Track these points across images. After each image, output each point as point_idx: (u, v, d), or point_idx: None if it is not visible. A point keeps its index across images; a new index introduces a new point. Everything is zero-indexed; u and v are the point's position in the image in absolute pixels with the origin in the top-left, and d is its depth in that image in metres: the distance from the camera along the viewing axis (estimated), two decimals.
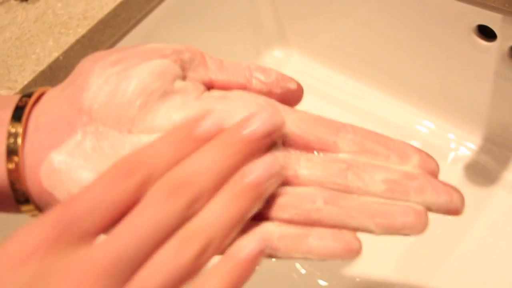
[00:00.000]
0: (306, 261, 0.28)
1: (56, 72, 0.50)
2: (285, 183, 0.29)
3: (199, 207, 0.26)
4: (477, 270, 0.50)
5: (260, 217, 0.29)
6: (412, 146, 0.30)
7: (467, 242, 0.52)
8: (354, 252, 0.28)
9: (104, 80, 0.29)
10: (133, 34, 0.55)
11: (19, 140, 0.29)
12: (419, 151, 0.30)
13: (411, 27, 0.53)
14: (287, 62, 0.70)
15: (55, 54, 0.50)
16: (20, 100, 0.30)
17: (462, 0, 0.46)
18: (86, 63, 0.30)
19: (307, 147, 0.30)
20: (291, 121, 0.30)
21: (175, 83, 0.30)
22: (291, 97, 0.32)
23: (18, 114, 0.29)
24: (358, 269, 0.53)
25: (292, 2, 0.64)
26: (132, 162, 0.26)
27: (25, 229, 0.25)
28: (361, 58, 0.63)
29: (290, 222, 0.28)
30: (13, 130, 0.29)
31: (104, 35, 0.53)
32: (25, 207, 0.30)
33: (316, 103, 0.65)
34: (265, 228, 0.28)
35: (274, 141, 0.29)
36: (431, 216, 0.50)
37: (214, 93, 0.32)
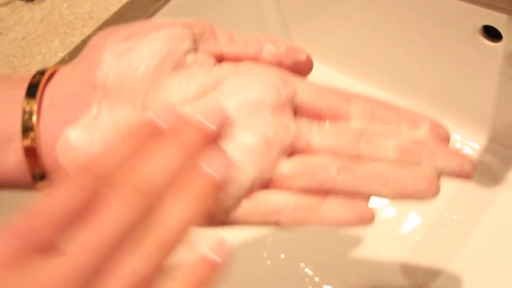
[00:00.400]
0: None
1: None
2: (298, 152, 0.30)
3: (157, 208, 0.25)
4: (482, 270, 0.50)
5: (274, 186, 0.29)
6: (422, 114, 0.30)
7: (472, 242, 0.52)
8: (367, 220, 0.28)
9: (117, 55, 0.29)
10: None
11: (34, 117, 0.29)
12: (429, 119, 0.30)
13: (415, 28, 0.53)
14: None
15: (61, 55, 0.51)
16: (34, 77, 0.30)
17: (467, 0, 0.46)
18: (98, 39, 0.31)
19: (319, 116, 0.31)
20: (302, 91, 0.31)
21: (187, 56, 0.30)
22: (301, 67, 0.33)
23: (32, 91, 0.29)
24: (362, 272, 0.53)
25: (297, 3, 0.64)
26: (89, 166, 0.25)
27: None
28: (365, 58, 0.63)
29: (304, 191, 0.29)
30: (28, 107, 0.29)
31: None
32: (41, 184, 0.30)
33: None
34: (280, 197, 0.29)
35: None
36: (437, 215, 0.50)
37: (225, 65, 0.32)
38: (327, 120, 0.30)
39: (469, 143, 0.57)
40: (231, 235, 0.27)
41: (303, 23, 0.67)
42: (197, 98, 0.30)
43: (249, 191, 0.28)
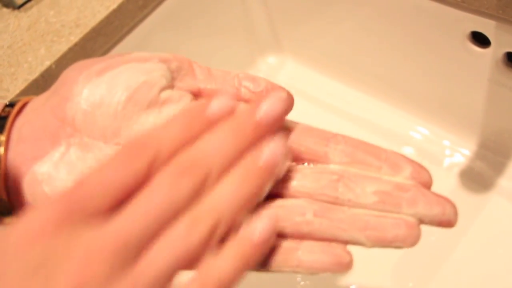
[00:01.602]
0: (297, 273, 0.28)
1: (49, 81, 0.50)
2: (275, 195, 0.29)
3: (209, 188, 0.26)
4: (473, 276, 0.51)
5: None
6: (404, 157, 0.29)
7: (462, 249, 0.52)
8: (344, 266, 0.27)
9: (89, 90, 0.29)
10: (126, 41, 0.55)
11: (1, 150, 0.29)
12: (412, 161, 0.29)
13: (405, 34, 0.53)
14: (281, 68, 0.70)
15: (47, 63, 0.50)
16: (3, 110, 0.30)
17: (456, 7, 0.47)
18: (70, 73, 0.30)
19: (297, 158, 0.30)
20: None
21: (162, 92, 0.30)
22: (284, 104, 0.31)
23: (0, 124, 0.29)
24: (353, 278, 0.53)
25: (286, 8, 0.64)
26: (142, 142, 0.26)
27: (35, 209, 0.24)
28: (355, 64, 0.63)
29: (280, 235, 0.28)
30: None
31: (97, 43, 0.52)
32: (7, 219, 0.30)
33: (310, 109, 0.65)
34: None
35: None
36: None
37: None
38: (306, 163, 0.30)
39: (459, 149, 0.58)
40: None
41: (292, 28, 0.67)
42: None
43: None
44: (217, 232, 0.25)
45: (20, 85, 0.49)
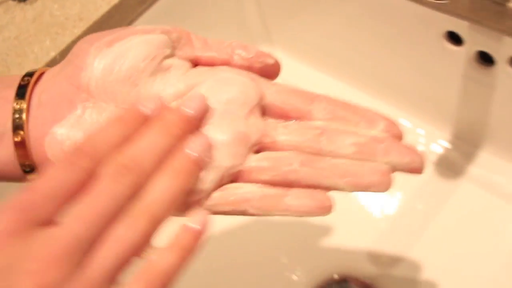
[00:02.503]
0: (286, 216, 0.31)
1: None
2: (265, 147, 0.33)
3: (144, 184, 0.29)
4: (443, 256, 0.55)
5: (243, 179, 0.32)
6: (378, 113, 0.33)
7: (433, 230, 0.57)
8: (326, 209, 0.31)
9: (100, 59, 0.32)
10: None
11: (24, 116, 0.32)
12: (385, 117, 0.33)
13: (387, 31, 0.57)
14: None
15: (52, 54, 0.54)
16: (22, 79, 0.33)
17: (433, 8, 0.50)
18: (82, 45, 0.33)
19: (285, 116, 0.34)
20: (270, 93, 0.34)
21: (165, 61, 0.33)
22: (269, 71, 0.35)
23: (21, 92, 0.32)
24: (332, 257, 0.57)
25: (276, 3, 0.68)
26: (80, 149, 0.29)
27: None
28: (341, 57, 0.66)
29: (270, 183, 0.32)
30: (17, 107, 0.32)
31: None
32: (30, 176, 0.33)
33: None
34: (247, 188, 0.32)
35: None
36: (402, 205, 0.55)
37: (200, 69, 0.35)
38: (292, 119, 0.34)
39: (434, 138, 0.62)
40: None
41: (282, 21, 0.70)
42: (175, 99, 0.33)
43: (220, 183, 0.32)
44: (154, 226, 0.28)
45: None
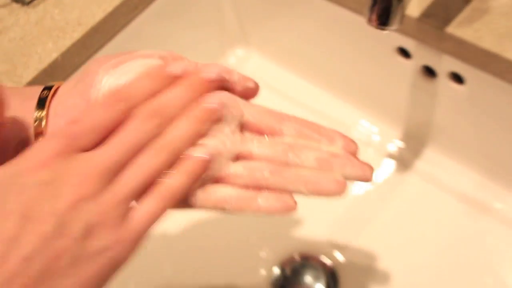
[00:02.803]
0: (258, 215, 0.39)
1: (56, 70, 0.60)
2: (242, 157, 0.39)
3: (168, 125, 0.36)
4: (392, 241, 0.64)
5: (223, 181, 0.39)
6: (339, 133, 0.40)
7: (385, 215, 0.65)
8: (291, 209, 0.38)
9: (107, 79, 0.39)
10: (119, 38, 0.65)
11: (43, 123, 0.39)
12: (344, 136, 0.40)
13: (351, 43, 0.65)
14: (248, 60, 0.81)
15: (54, 55, 0.60)
16: (42, 92, 0.40)
17: None
18: (92, 66, 0.40)
19: (259, 132, 0.40)
20: (248, 112, 0.40)
21: None
22: (249, 92, 0.41)
23: (41, 104, 0.39)
24: (293, 241, 0.65)
25: (253, 7, 0.75)
26: (119, 94, 0.36)
27: (39, 143, 0.34)
28: (311, 61, 0.74)
29: (244, 186, 0.39)
30: (38, 115, 0.39)
31: (95, 39, 0.63)
32: None
33: (270, 96, 0.76)
34: (226, 190, 0.38)
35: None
36: (357, 188, 0.63)
37: None
38: (266, 135, 0.40)
39: (387, 136, 0.70)
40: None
41: (259, 27, 0.77)
42: None
43: (204, 183, 0.38)
44: (173, 159, 0.36)
45: (32, 73, 0.59)
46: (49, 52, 0.61)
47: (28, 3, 0.65)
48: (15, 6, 0.65)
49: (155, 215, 0.35)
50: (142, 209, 0.35)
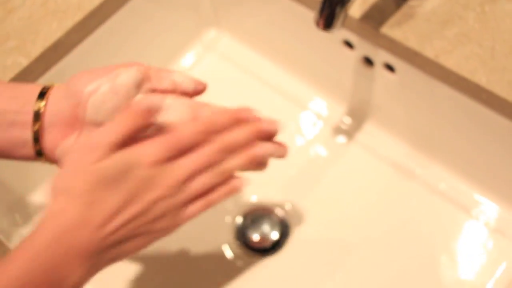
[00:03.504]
0: None
1: (59, 48, 0.71)
2: None
3: (228, 157, 0.49)
4: (336, 194, 0.76)
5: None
6: (269, 120, 0.52)
7: (329, 178, 0.78)
8: (240, 187, 0.51)
9: (93, 105, 0.49)
10: (113, 19, 0.75)
11: (39, 133, 0.49)
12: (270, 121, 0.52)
13: (307, 33, 0.75)
14: (219, 41, 0.91)
15: (58, 34, 0.71)
16: (36, 103, 0.49)
17: None
18: (77, 84, 0.49)
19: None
20: (204, 111, 0.52)
21: (136, 94, 0.50)
22: (199, 91, 0.53)
23: (37, 116, 0.49)
24: (253, 199, 0.79)
25: None
26: (204, 127, 0.48)
27: (148, 145, 0.45)
28: (274, 44, 0.85)
29: None
30: (35, 127, 0.49)
31: (92, 21, 0.73)
32: (40, 159, 0.51)
33: (237, 75, 0.87)
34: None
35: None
36: (307, 154, 0.76)
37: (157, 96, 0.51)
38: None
39: (335, 111, 0.82)
40: None
41: (231, 10, 0.87)
42: None
43: None
44: (222, 181, 0.49)
45: (39, 49, 0.69)
46: (54, 31, 0.71)
47: None
48: None
49: (198, 212, 0.49)
50: (193, 207, 0.48)
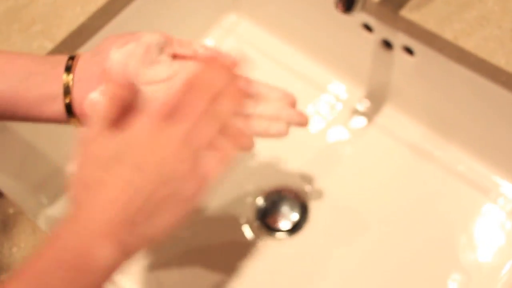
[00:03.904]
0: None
1: (84, 31, 0.72)
2: None
3: (218, 102, 0.48)
4: (355, 176, 0.78)
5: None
6: (285, 91, 0.54)
7: (349, 160, 0.79)
8: (250, 147, 0.52)
9: (117, 54, 0.51)
10: (133, 5, 0.76)
11: (71, 84, 0.51)
12: (287, 93, 0.54)
13: (327, 17, 0.76)
14: (239, 25, 0.92)
15: (82, 18, 0.72)
16: (68, 61, 0.52)
17: None
18: (105, 44, 0.52)
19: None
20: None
21: (158, 56, 0.53)
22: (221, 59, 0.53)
23: (68, 70, 0.51)
24: (270, 177, 0.80)
25: None
26: (192, 84, 0.48)
27: (143, 117, 0.46)
28: (293, 28, 0.86)
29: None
30: (66, 80, 0.51)
31: (115, 6, 0.75)
32: (72, 120, 0.53)
33: (257, 57, 0.86)
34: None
35: None
36: (329, 140, 0.77)
37: (177, 63, 0.53)
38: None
39: (354, 94, 0.83)
40: None
41: None
42: (167, 80, 0.52)
43: None
44: (219, 123, 0.47)
45: (64, 33, 0.71)
46: (77, 15, 0.73)
47: None
48: None
49: (217, 169, 0.47)
50: (209, 163, 0.46)
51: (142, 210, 0.44)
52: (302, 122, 0.54)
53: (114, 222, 0.43)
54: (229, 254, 0.74)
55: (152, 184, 0.44)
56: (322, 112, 0.83)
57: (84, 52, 0.54)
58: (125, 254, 0.43)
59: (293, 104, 0.55)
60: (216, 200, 0.78)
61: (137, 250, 0.44)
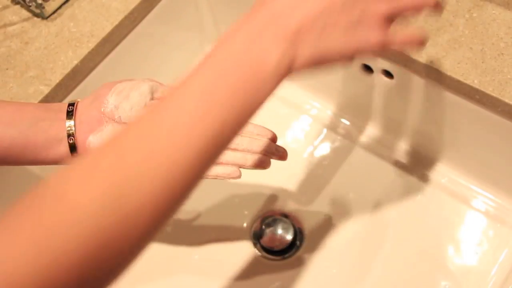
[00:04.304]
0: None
1: (77, 75, 0.75)
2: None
3: None
4: (343, 193, 0.82)
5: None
6: (268, 130, 0.61)
7: (335, 178, 0.83)
8: (238, 175, 0.59)
9: (114, 100, 0.58)
10: (124, 44, 0.80)
11: (73, 129, 0.57)
12: (269, 131, 0.61)
13: None
14: None
15: (75, 62, 0.75)
16: (68, 107, 0.58)
17: None
18: (103, 90, 0.58)
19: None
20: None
21: (149, 101, 0.59)
22: None
23: (70, 115, 0.57)
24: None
25: (229, 10, 0.90)
26: None
27: None
28: None
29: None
30: (69, 124, 0.57)
31: (105, 47, 0.78)
32: (74, 155, 0.57)
33: None
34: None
35: None
36: (312, 155, 0.81)
37: None
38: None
39: (337, 114, 0.87)
40: None
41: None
42: None
43: None
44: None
45: (58, 76, 0.73)
46: (70, 59, 0.75)
47: (47, 18, 0.79)
48: (36, 20, 0.79)
49: (400, 43, 0.48)
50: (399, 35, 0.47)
51: (314, 24, 0.43)
52: (282, 156, 0.61)
53: (292, 26, 0.43)
54: (226, 276, 0.77)
55: (342, 6, 0.44)
56: (307, 134, 0.87)
57: (83, 99, 0.60)
58: (292, 62, 0.43)
59: (274, 139, 0.61)
60: (212, 223, 0.81)
61: (301, 65, 0.44)
